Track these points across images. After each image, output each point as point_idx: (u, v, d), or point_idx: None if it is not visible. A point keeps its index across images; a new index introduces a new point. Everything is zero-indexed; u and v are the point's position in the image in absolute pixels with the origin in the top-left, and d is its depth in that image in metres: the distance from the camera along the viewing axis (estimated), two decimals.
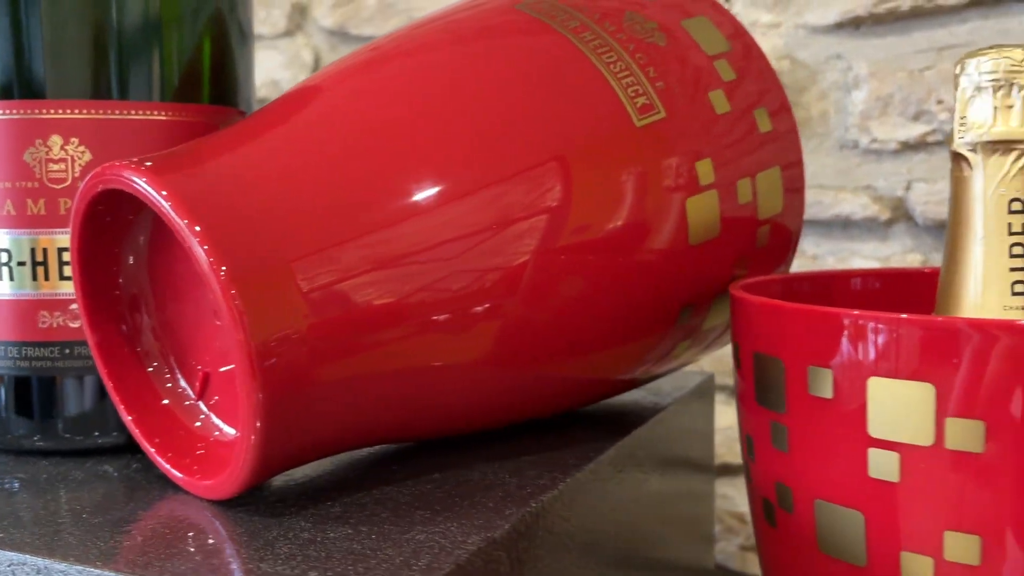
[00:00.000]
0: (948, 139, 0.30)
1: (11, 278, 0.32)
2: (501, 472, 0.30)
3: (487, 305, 0.28)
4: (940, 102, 0.52)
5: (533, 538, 0.26)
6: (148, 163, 0.25)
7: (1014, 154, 0.28)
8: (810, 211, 0.56)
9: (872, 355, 0.24)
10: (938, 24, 0.53)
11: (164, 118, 0.33)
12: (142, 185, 0.25)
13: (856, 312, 0.24)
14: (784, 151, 0.34)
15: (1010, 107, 0.28)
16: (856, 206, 0.55)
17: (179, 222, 0.24)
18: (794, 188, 0.35)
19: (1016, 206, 0.29)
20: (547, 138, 0.29)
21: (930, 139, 0.53)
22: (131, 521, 0.26)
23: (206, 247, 0.23)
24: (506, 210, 0.28)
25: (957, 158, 0.29)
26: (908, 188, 0.54)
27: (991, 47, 0.29)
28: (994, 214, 0.29)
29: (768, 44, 0.57)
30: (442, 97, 0.28)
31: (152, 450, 0.29)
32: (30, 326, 0.32)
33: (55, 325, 0.32)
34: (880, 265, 0.55)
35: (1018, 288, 0.29)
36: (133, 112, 0.32)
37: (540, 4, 0.32)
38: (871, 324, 0.24)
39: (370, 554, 0.23)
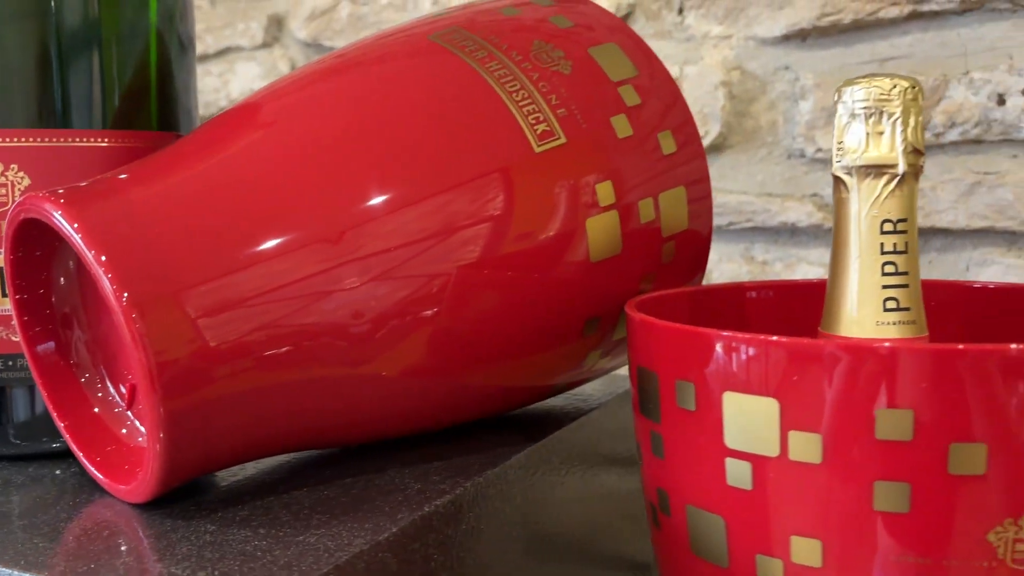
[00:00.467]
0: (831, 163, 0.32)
1: None
2: (407, 477, 0.32)
3: (394, 323, 0.30)
4: None
5: (426, 540, 0.28)
6: (63, 195, 0.27)
7: (885, 178, 0.30)
8: (758, 218, 0.58)
9: (726, 371, 0.26)
10: (880, 36, 0.54)
11: (104, 144, 0.35)
12: (56, 217, 0.27)
13: (711, 331, 0.26)
14: (689, 171, 0.36)
15: (881, 133, 0.30)
16: (802, 214, 0.56)
17: (87, 253, 0.26)
18: (700, 205, 0.36)
19: (887, 227, 0.30)
20: (449, 165, 0.31)
21: None
22: (54, 523, 0.28)
23: (110, 275, 0.25)
24: (407, 234, 0.30)
25: (836, 181, 0.31)
26: None
27: (865, 76, 0.30)
28: (868, 234, 0.30)
29: (719, 55, 0.58)
30: (344, 129, 0.30)
31: (81, 455, 0.31)
32: None
33: (1, 338, 0.34)
34: (824, 272, 0.56)
35: (890, 304, 0.30)
36: (73, 139, 0.34)
37: (451, 34, 0.34)
38: (724, 342, 0.26)
39: (260, 555, 0.25)
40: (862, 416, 0.24)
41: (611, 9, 0.60)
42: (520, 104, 0.33)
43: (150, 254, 0.26)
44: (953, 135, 0.52)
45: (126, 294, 0.26)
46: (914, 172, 0.30)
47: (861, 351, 0.24)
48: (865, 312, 0.30)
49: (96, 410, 0.32)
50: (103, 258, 0.26)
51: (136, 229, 0.27)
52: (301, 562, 0.25)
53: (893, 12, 0.53)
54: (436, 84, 0.32)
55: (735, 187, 0.59)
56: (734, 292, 0.38)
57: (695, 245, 0.37)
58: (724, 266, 0.59)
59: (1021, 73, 0.51)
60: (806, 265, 0.57)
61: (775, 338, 0.25)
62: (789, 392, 0.25)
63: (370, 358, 0.30)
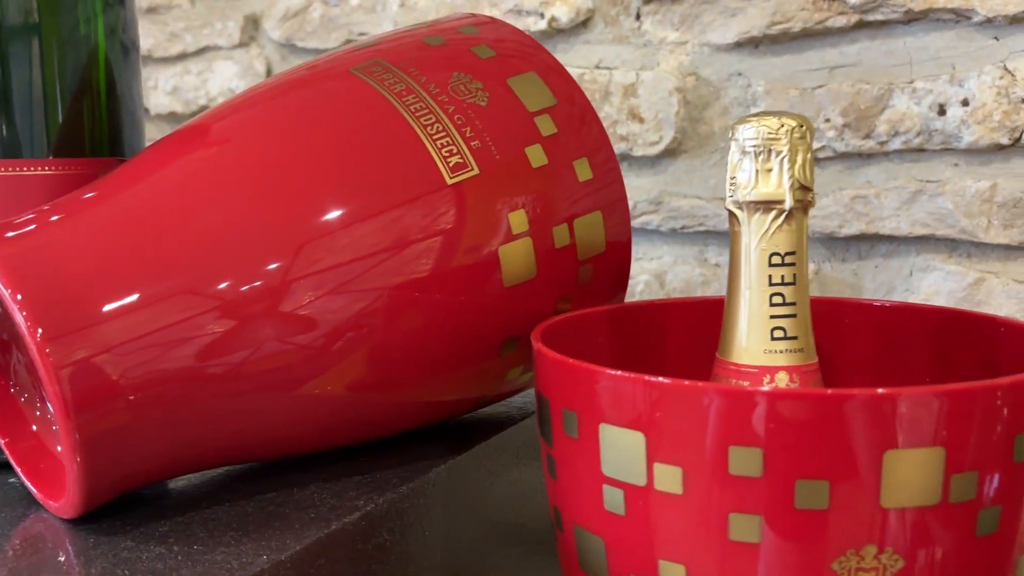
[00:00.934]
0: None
1: None
2: (326, 493, 0.34)
3: (310, 346, 0.32)
4: (827, 120, 0.55)
5: (334, 556, 0.30)
6: None
7: (773, 213, 0.31)
8: (710, 223, 0.59)
9: (600, 404, 0.28)
10: (830, 44, 0.55)
11: (49, 173, 0.37)
12: None
13: (588, 366, 0.28)
14: (606, 196, 0.37)
15: (769, 171, 0.31)
16: None
17: (3, 291, 0.28)
18: (618, 228, 0.38)
19: (776, 260, 0.32)
20: (362, 198, 0.33)
21: (820, 155, 0.55)
22: None
23: (24, 313, 0.27)
24: (322, 263, 0.32)
25: (730, 215, 0.32)
26: None
27: (756, 115, 0.32)
28: (757, 266, 0.32)
29: (675, 61, 0.60)
30: (261, 164, 0.32)
31: (19, 469, 0.33)
32: None
33: None
34: None
35: (777, 334, 0.32)
36: (19, 168, 0.36)
37: (372, 67, 0.36)
38: (598, 377, 0.27)
39: (167, 574, 0.27)
40: (718, 452, 0.25)
41: (570, 14, 0.61)
42: (434, 137, 0.34)
43: (64, 291, 0.28)
44: (896, 144, 0.53)
45: (40, 330, 0.27)
46: (802, 207, 0.32)
47: (717, 392, 0.25)
48: (754, 340, 0.32)
49: (34, 427, 0.34)
50: (19, 296, 0.28)
51: (51, 266, 0.28)
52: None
53: (841, 21, 0.54)
54: (353, 119, 0.34)
55: (689, 191, 0.60)
56: (652, 310, 0.40)
57: (614, 266, 0.38)
58: (678, 268, 0.61)
59: (962, 84, 0.51)
60: None
61: (646, 377, 0.27)
62: (653, 427, 0.26)
63: (288, 380, 0.32)
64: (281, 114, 0.33)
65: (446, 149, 0.34)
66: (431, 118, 0.34)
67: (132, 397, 0.29)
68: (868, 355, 0.38)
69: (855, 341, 0.38)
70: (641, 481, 0.27)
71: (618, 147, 0.61)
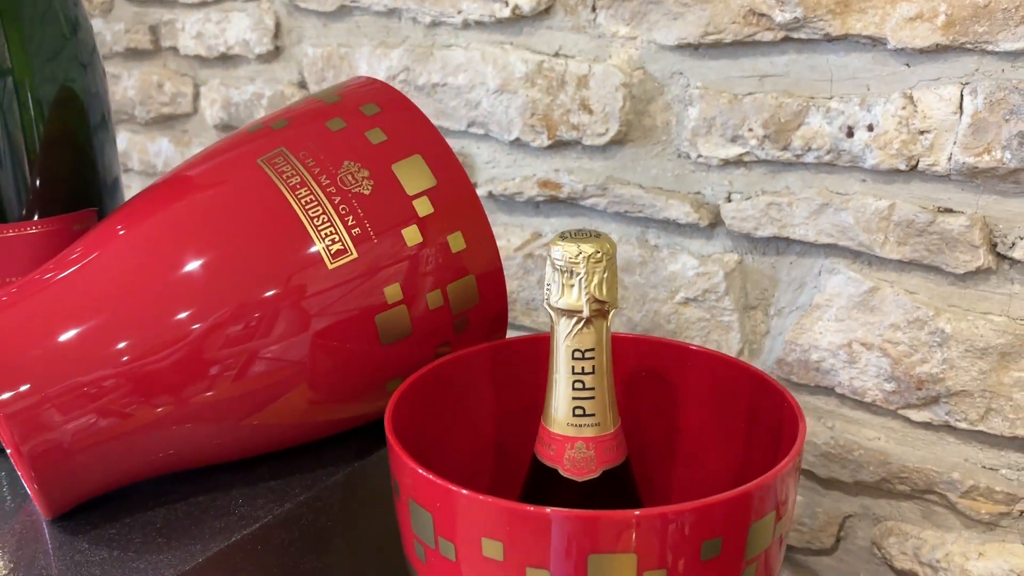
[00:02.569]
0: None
1: None
2: (241, 499, 0.44)
3: (208, 397, 0.41)
4: (751, 130, 0.59)
5: (234, 564, 0.41)
6: None
7: (575, 319, 0.38)
8: (648, 210, 0.64)
9: (407, 486, 0.36)
10: (762, 53, 0.58)
11: (33, 232, 0.46)
12: None
13: (407, 463, 0.36)
14: (480, 261, 0.44)
15: (572, 286, 0.38)
16: (681, 212, 0.63)
17: None
18: (491, 284, 0.45)
19: (577, 355, 0.39)
20: (261, 282, 0.41)
21: (746, 159, 0.60)
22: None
23: None
24: (230, 328, 0.40)
25: (549, 309, 0.39)
26: (728, 199, 0.62)
27: (564, 239, 0.38)
28: (563, 358, 0.39)
29: (625, 55, 0.63)
30: (172, 254, 0.40)
31: (25, 482, 0.44)
32: None
33: None
34: (699, 262, 0.63)
35: (578, 411, 0.39)
36: (7, 231, 0.45)
37: (275, 157, 0.43)
38: (408, 471, 0.36)
39: None
40: (475, 541, 0.34)
41: (532, 2, 0.65)
42: (319, 228, 0.41)
43: (15, 365, 0.38)
44: (810, 158, 0.57)
45: None
46: (600, 313, 0.38)
47: (470, 500, 0.34)
48: (561, 414, 0.40)
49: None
50: None
51: (5, 343, 0.38)
52: None
53: (768, 36, 0.57)
54: (256, 215, 0.41)
55: (633, 179, 0.65)
56: (529, 344, 0.47)
57: (490, 314, 0.46)
58: (621, 247, 0.67)
59: (869, 109, 0.55)
60: (687, 255, 0.64)
61: (433, 479, 0.35)
62: (436, 512, 0.35)
63: (207, 419, 0.41)
64: (192, 211, 0.41)
65: (330, 238, 0.42)
66: (319, 210, 0.42)
67: (82, 442, 0.39)
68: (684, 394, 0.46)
69: (689, 382, 0.46)
70: (432, 545, 0.36)
71: (570, 135, 0.66)
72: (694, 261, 0.64)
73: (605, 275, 0.38)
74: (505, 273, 0.71)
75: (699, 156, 0.62)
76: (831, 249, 0.59)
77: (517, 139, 0.68)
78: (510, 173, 0.70)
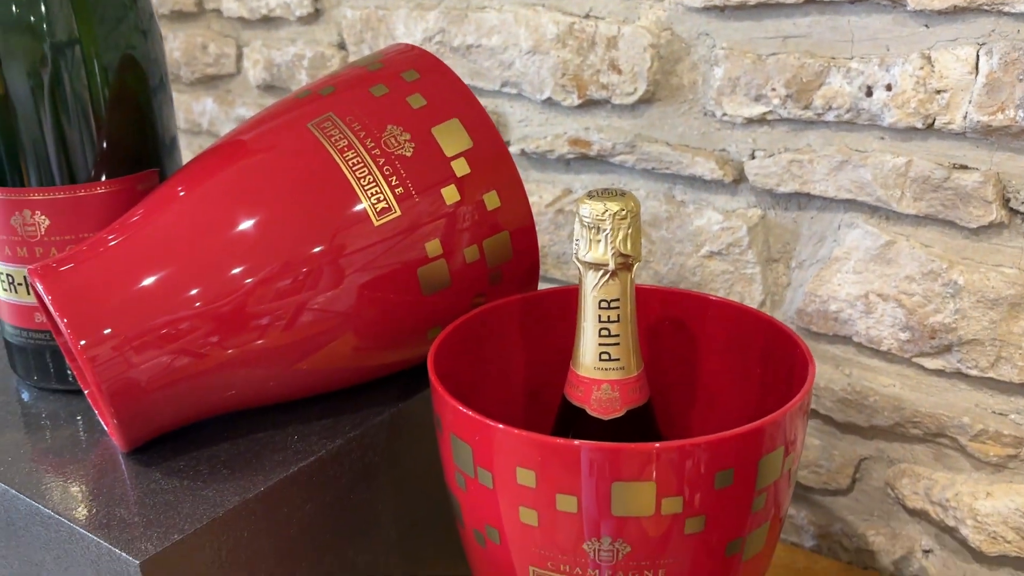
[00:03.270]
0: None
1: (15, 292, 0.51)
2: (296, 435, 0.48)
3: (275, 341, 0.45)
4: (774, 89, 0.61)
5: (289, 492, 0.45)
6: (43, 269, 0.43)
7: (601, 272, 0.41)
8: (675, 167, 0.67)
9: (449, 422, 0.40)
10: (785, 15, 0.60)
11: (101, 192, 0.50)
12: (39, 287, 0.42)
13: (449, 400, 0.40)
14: (513, 218, 0.48)
15: (598, 241, 0.41)
16: (706, 169, 0.65)
17: (55, 314, 0.42)
18: (524, 241, 0.48)
19: (603, 304, 0.42)
20: (314, 238, 0.44)
21: (769, 117, 0.62)
22: (79, 453, 0.46)
23: (70, 331, 0.41)
24: (284, 280, 0.44)
25: (578, 263, 0.43)
26: (752, 156, 0.64)
27: (592, 197, 0.41)
28: (591, 308, 0.42)
29: (653, 16, 0.66)
30: (232, 210, 0.44)
31: (102, 420, 0.48)
32: (30, 320, 0.51)
33: (43, 321, 0.51)
34: (724, 217, 0.66)
35: (603, 356, 0.43)
36: (77, 192, 0.49)
37: (324, 122, 0.46)
38: (449, 408, 0.40)
39: (167, 505, 0.43)
40: (510, 469, 0.38)
41: None
42: (366, 188, 0.45)
43: (97, 312, 0.42)
44: (830, 116, 0.59)
45: (81, 342, 0.42)
46: (624, 266, 0.41)
47: (506, 432, 0.37)
48: (588, 359, 0.43)
49: None
50: (65, 320, 0.42)
51: (86, 293, 0.42)
52: (195, 512, 0.42)
53: None
54: (307, 176, 0.45)
55: (660, 137, 0.68)
56: (559, 296, 0.51)
57: (523, 268, 0.49)
58: (649, 203, 0.70)
59: (889, 69, 0.57)
60: (711, 210, 0.67)
61: (472, 415, 0.39)
62: (475, 443, 0.39)
63: (273, 363, 0.45)
64: (250, 172, 0.45)
65: (375, 197, 0.45)
66: (365, 171, 0.45)
67: (152, 381, 0.43)
68: (707, 344, 0.49)
69: (699, 330, 0.49)
70: (471, 474, 0.40)
71: (599, 94, 0.68)
72: (719, 216, 0.66)
73: (630, 231, 0.41)
74: (537, 228, 0.75)
75: (724, 115, 0.64)
76: (850, 204, 0.61)
77: (549, 98, 0.71)
78: (542, 132, 0.73)
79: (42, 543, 0.44)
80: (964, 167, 0.56)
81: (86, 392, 0.49)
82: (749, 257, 0.66)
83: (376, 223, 0.45)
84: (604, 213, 0.40)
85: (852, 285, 0.62)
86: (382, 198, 0.45)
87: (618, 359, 0.43)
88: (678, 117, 0.67)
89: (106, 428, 0.48)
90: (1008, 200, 0.56)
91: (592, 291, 0.42)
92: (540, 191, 0.75)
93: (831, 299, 0.63)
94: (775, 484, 0.39)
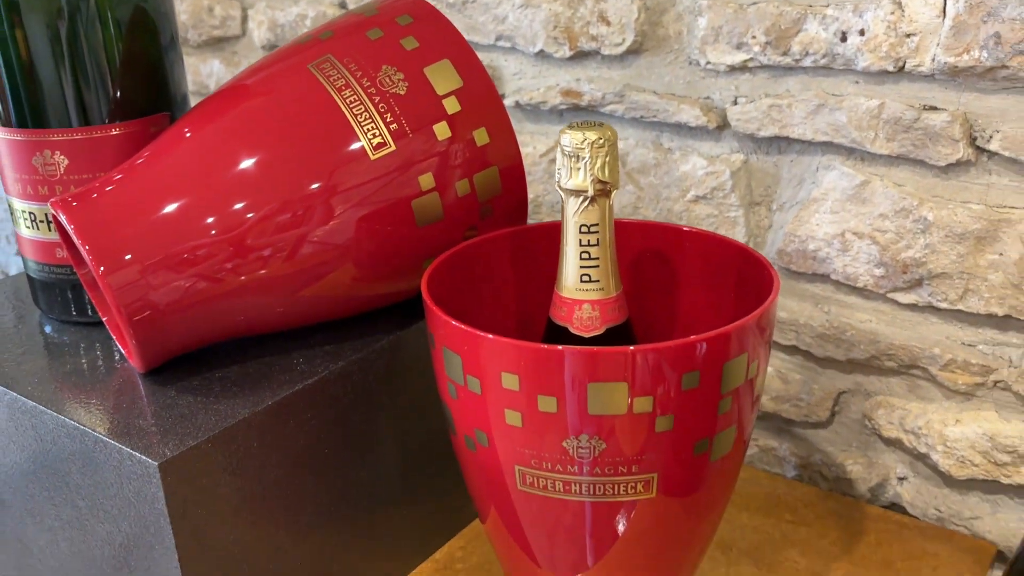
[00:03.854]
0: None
1: (38, 229, 0.54)
2: (300, 358, 0.51)
3: (282, 269, 0.48)
4: (754, 37, 0.64)
5: (296, 408, 0.49)
6: (65, 202, 0.46)
7: (581, 198, 0.45)
8: (662, 115, 0.70)
9: (441, 335, 0.43)
10: None
11: (116, 133, 0.53)
12: (62, 218, 0.46)
13: (438, 313, 0.43)
14: (502, 154, 0.51)
15: (578, 169, 0.44)
16: (691, 116, 0.68)
17: (77, 241, 0.45)
18: (513, 176, 0.52)
19: (583, 229, 0.45)
20: (313, 171, 0.48)
21: (750, 64, 0.65)
22: (100, 374, 0.50)
23: (91, 258, 0.45)
24: (287, 212, 0.48)
25: (560, 191, 0.46)
26: (734, 102, 0.67)
27: (571, 127, 0.44)
28: (572, 232, 0.45)
29: None
30: (239, 147, 0.47)
31: (119, 343, 0.52)
32: (51, 256, 0.55)
33: (64, 256, 0.55)
34: (708, 162, 0.69)
35: (584, 278, 0.46)
36: (93, 133, 0.52)
37: (323, 63, 0.49)
38: (440, 321, 0.43)
39: (182, 417, 0.46)
40: (496, 374, 0.41)
41: None
42: (363, 124, 0.48)
43: (117, 241, 0.45)
44: (807, 62, 0.62)
45: (101, 268, 0.45)
46: (603, 193, 0.45)
47: (491, 340, 0.41)
48: (570, 281, 0.46)
49: None
50: (87, 247, 0.45)
51: (107, 223, 0.46)
52: (208, 423, 0.46)
53: None
54: (308, 114, 0.48)
55: (647, 86, 0.71)
56: (546, 230, 0.54)
57: (512, 203, 0.53)
58: (638, 150, 0.73)
59: (862, 15, 0.59)
60: (697, 156, 0.70)
61: (460, 326, 0.42)
62: (464, 353, 0.42)
63: (279, 289, 0.49)
64: (255, 111, 0.48)
65: (371, 133, 0.48)
66: (361, 108, 0.48)
67: (168, 305, 0.47)
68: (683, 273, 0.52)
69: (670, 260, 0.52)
70: (461, 382, 0.43)
71: (589, 46, 0.71)
72: (703, 162, 0.69)
73: (607, 159, 0.44)
74: (531, 178, 0.78)
75: (708, 63, 0.67)
76: (827, 147, 0.64)
77: (541, 51, 0.74)
78: (535, 84, 0.76)
79: (67, 454, 0.48)
80: (933, 108, 0.59)
81: (105, 320, 0.53)
82: (732, 201, 0.69)
83: (372, 157, 0.48)
84: (583, 142, 0.43)
85: (829, 225, 0.65)
86: (378, 133, 0.48)
87: (598, 280, 0.46)
88: (664, 67, 0.70)
89: (124, 352, 0.51)
90: (975, 139, 0.58)
91: (573, 216, 0.45)
92: (534, 142, 0.78)
93: (809, 239, 0.66)
94: (739, 390, 0.42)
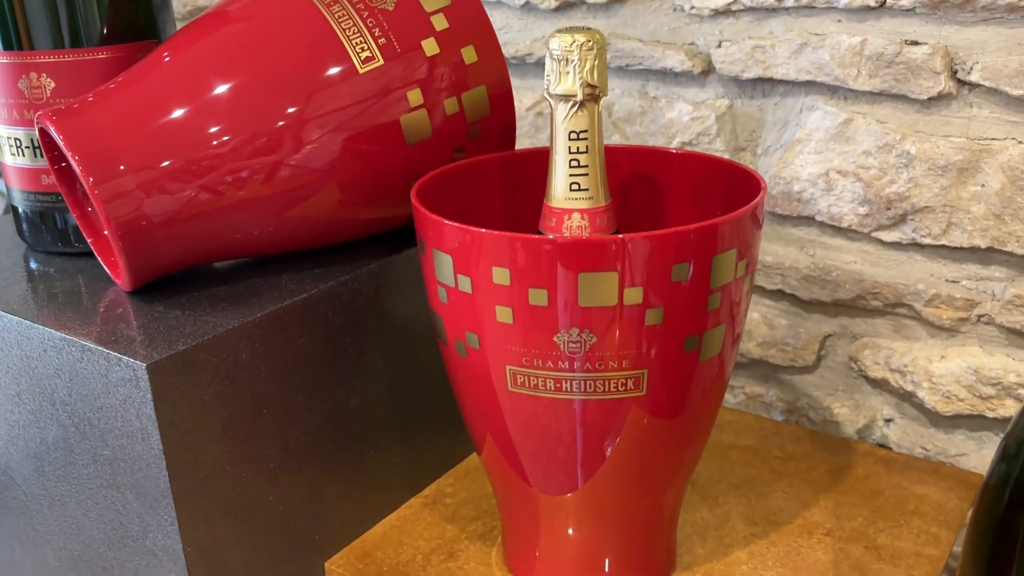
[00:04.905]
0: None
1: (23, 155, 0.54)
2: (291, 279, 0.51)
3: (270, 182, 0.48)
4: None
5: (286, 322, 0.48)
6: (54, 114, 0.46)
7: (570, 103, 0.45)
8: (647, 62, 0.71)
9: (431, 237, 0.43)
10: None
11: (103, 57, 0.53)
12: (51, 129, 0.46)
13: (428, 214, 0.43)
14: (489, 74, 0.51)
15: (567, 73, 0.44)
16: (676, 61, 0.69)
17: (68, 153, 0.45)
18: (501, 98, 0.52)
19: (573, 136, 0.45)
20: (301, 85, 0.48)
21: (734, 8, 0.66)
22: (86, 296, 0.50)
23: (82, 169, 0.45)
24: (274, 128, 0.47)
25: (549, 100, 0.46)
26: (719, 46, 0.68)
27: (560, 31, 0.44)
28: (561, 139, 0.46)
29: None
30: (229, 62, 0.47)
31: (103, 263, 0.52)
32: (37, 183, 0.55)
33: (50, 182, 0.54)
34: (694, 108, 0.70)
35: (574, 186, 0.46)
36: (81, 55, 0.52)
37: None
38: (431, 221, 0.43)
39: (170, 327, 0.46)
40: (487, 271, 0.41)
41: None
42: (351, 39, 0.48)
43: (107, 151, 0.45)
44: (790, 2, 0.63)
45: (91, 178, 0.45)
46: (592, 98, 0.45)
47: (485, 235, 0.41)
48: (559, 191, 0.46)
49: (105, 233, 0.52)
50: (77, 157, 0.45)
51: (97, 134, 0.45)
52: (197, 331, 0.45)
53: None
54: (299, 32, 0.48)
55: (633, 34, 0.71)
56: (534, 154, 0.54)
57: (499, 125, 0.53)
58: (624, 100, 0.73)
59: None
60: (682, 102, 0.70)
61: (450, 223, 0.42)
62: (455, 253, 0.42)
63: (268, 210, 0.49)
64: (244, 28, 0.48)
65: (360, 47, 0.48)
66: (350, 23, 0.48)
67: (156, 217, 0.46)
68: (670, 193, 0.52)
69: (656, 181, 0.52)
70: (452, 284, 0.43)
71: None
72: (689, 107, 0.70)
73: (596, 62, 0.44)
74: (517, 132, 0.78)
75: (692, 7, 0.67)
76: (810, 87, 0.65)
77: (527, 3, 0.74)
78: (521, 37, 0.77)
79: (54, 369, 0.47)
80: (915, 42, 0.60)
81: (91, 243, 0.52)
82: (718, 146, 0.70)
83: (361, 71, 0.48)
84: (572, 44, 0.44)
85: (813, 165, 0.66)
86: (366, 47, 0.48)
87: (587, 189, 0.46)
88: (649, 15, 0.70)
89: (111, 273, 0.51)
90: (955, 71, 0.59)
91: (562, 123, 0.45)
92: (520, 96, 0.78)
93: (794, 180, 0.67)
94: (728, 288, 0.43)
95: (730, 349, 0.45)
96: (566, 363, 0.42)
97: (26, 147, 0.54)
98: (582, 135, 0.45)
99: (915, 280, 0.64)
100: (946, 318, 0.64)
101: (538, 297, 0.41)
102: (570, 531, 0.48)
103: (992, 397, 0.63)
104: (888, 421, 0.69)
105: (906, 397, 0.67)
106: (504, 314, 0.42)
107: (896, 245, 0.65)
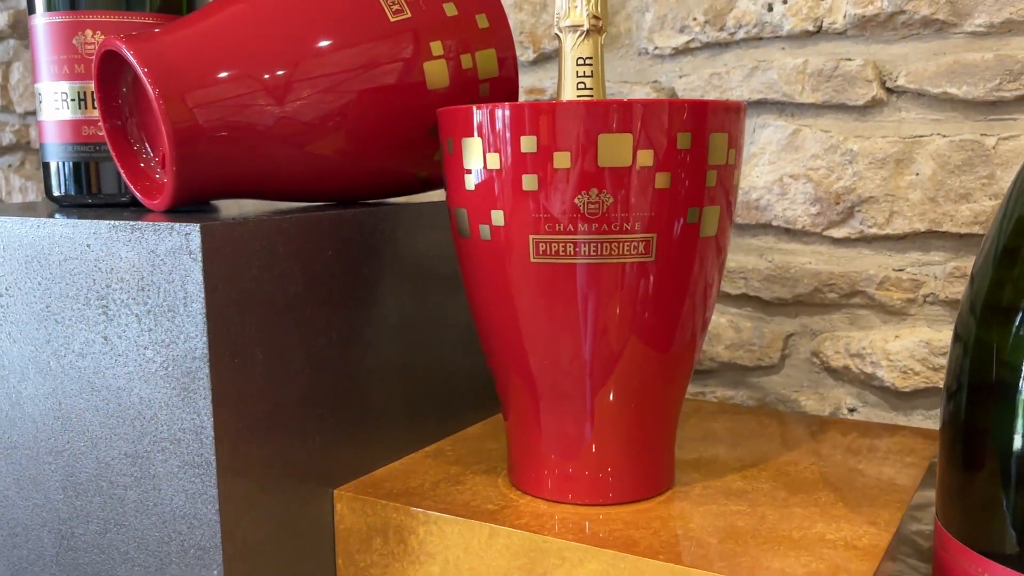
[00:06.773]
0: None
1: (68, 108, 0.59)
2: (316, 209, 0.56)
3: (314, 126, 0.54)
4: (695, 19, 0.75)
5: (313, 230, 0.53)
6: (127, 37, 0.52)
7: (578, 33, 0.53)
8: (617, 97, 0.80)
9: (462, 128, 0.49)
10: None
11: (150, 22, 0.59)
12: (123, 48, 0.51)
13: (457, 107, 0.49)
14: (498, 39, 0.59)
15: (575, 7, 0.52)
16: (642, 94, 0.78)
17: (137, 67, 0.50)
18: (507, 61, 0.60)
19: (580, 61, 0.53)
20: (342, 33, 0.55)
21: (692, 45, 0.76)
22: (120, 218, 0.53)
23: (149, 80, 0.50)
24: (316, 72, 0.54)
25: (558, 34, 0.54)
26: (680, 77, 0.78)
27: None
28: (570, 65, 0.53)
29: None
30: (281, 9, 0.54)
31: (132, 186, 0.56)
32: (78, 134, 0.59)
33: (90, 133, 0.59)
34: None
35: None
36: (132, 18, 0.59)
37: None
38: (462, 112, 0.49)
39: (209, 216, 0.50)
40: (516, 143, 0.47)
41: None
42: None
43: (172, 70, 0.51)
44: (741, 34, 0.74)
45: (157, 90, 0.50)
46: (596, 29, 0.53)
47: (512, 107, 0.47)
48: None
49: (141, 165, 0.56)
50: (145, 70, 0.50)
51: (165, 56, 0.51)
52: (240, 216, 0.49)
53: None
54: None
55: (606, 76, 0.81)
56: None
57: (505, 86, 0.60)
58: None
59: None
60: None
61: (478, 107, 0.48)
62: (486, 137, 0.48)
63: (300, 138, 0.54)
64: None
65: (391, 3, 0.56)
66: None
67: (207, 135, 0.51)
68: None
69: None
70: (480, 166, 0.49)
71: (552, 46, 0.82)
72: None
73: None
74: None
75: (655, 48, 0.78)
76: (762, 105, 0.74)
77: None
78: None
79: (96, 258, 0.50)
80: (849, 59, 0.70)
81: (126, 176, 0.56)
82: None
83: (392, 19, 0.56)
84: None
85: (768, 173, 0.74)
86: (396, 4, 0.56)
87: None
88: (618, 60, 0.80)
89: (146, 203, 0.55)
90: (884, 82, 0.70)
91: (571, 51, 0.53)
92: None
93: (751, 189, 0.75)
94: (721, 170, 0.49)
95: (724, 232, 0.51)
96: (585, 225, 0.47)
97: (72, 99, 0.59)
98: (588, 61, 0.53)
99: (866, 269, 0.71)
100: (897, 298, 0.70)
101: (562, 160, 0.46)
102: (575, 434, 0.51)
103: (943, 368, 0.69)
104: (852, 410, 0.74)
105: (867, 382, 0.72)
106: (530, 182, 0.47)
107: (846, 241, 0.72)
